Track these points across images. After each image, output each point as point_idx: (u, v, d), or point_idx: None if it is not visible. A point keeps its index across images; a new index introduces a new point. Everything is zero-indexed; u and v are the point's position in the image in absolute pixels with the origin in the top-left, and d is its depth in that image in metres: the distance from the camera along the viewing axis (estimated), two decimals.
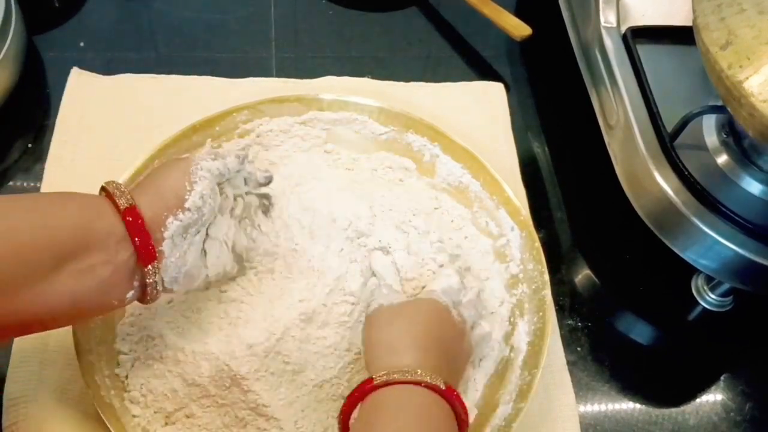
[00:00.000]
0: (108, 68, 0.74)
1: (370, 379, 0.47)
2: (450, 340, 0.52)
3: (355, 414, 0.47)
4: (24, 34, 0.71)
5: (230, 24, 0.82)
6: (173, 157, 0.63)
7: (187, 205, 0.48)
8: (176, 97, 0.73)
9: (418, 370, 0.47)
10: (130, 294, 0.47)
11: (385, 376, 0.47)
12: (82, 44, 0.77)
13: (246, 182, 0.57)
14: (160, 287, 0.48)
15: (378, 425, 0.45)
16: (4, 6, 0.67)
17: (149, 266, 0.47)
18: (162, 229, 0.47)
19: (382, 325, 0.52)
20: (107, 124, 0.70)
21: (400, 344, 0.50)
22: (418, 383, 0.46)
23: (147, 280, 0.47)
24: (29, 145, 0.69)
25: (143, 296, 0.48)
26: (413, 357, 0.48)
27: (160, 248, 0.47)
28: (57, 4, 0.81)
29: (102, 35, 0.79)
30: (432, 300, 0.54)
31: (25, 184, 0.66)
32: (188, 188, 0.49)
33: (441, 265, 0.59)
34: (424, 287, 0.57)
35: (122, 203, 0.46)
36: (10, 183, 0.67)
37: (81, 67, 0.73)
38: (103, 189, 0.47)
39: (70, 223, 0.44)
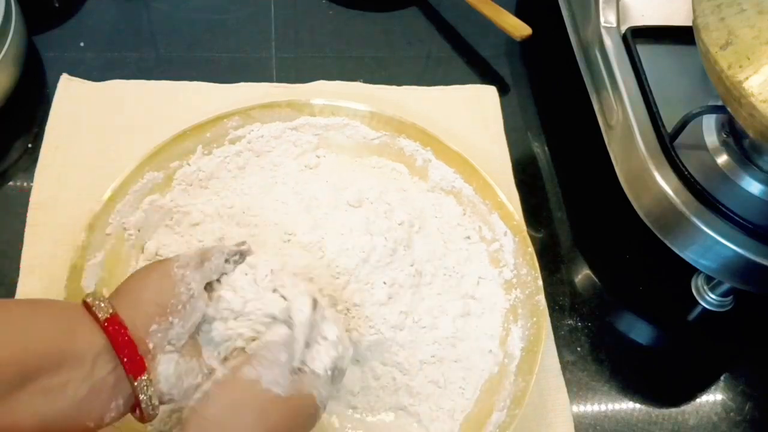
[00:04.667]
0: (108, 68, 0.74)
1: None
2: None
3: None
4: (24, 34, 0.70)
5: (230, 24, 0.82)
6: (163, 163, 0.63)
7: (174, 319, 0.45)
8: (167, 103, 0.72)
9: None
10: (110, 416, 0.42)
11: None
12: (82, 44, 0.77)
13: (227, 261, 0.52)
14: (155, 401, 0.44)
15: None
16: (4, 6, 0.67)
17: (139, 379, 0.42)
18: (147, 340, 0.43)
19: None
20: (98, 130, 0.69)
21: None
22: None
23: (140, 396, 0.43)
24: (29, 146, 0.69)
25: (140, 416, 0.44)
26: None
27: (148, 359, 0.43)
28: (57, 4, 0.81)
29: (102, 35, 0.79)
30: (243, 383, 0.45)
31: (24, 184, 0.66)
32: (172, 297, 0.45)
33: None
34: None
35: (102, 315, 0.42)
36: (10, 183, 0.67)
37: (81, 67, 0.73)
38: (83, 301, 0.44)
39: (41, 336, 0.40)
